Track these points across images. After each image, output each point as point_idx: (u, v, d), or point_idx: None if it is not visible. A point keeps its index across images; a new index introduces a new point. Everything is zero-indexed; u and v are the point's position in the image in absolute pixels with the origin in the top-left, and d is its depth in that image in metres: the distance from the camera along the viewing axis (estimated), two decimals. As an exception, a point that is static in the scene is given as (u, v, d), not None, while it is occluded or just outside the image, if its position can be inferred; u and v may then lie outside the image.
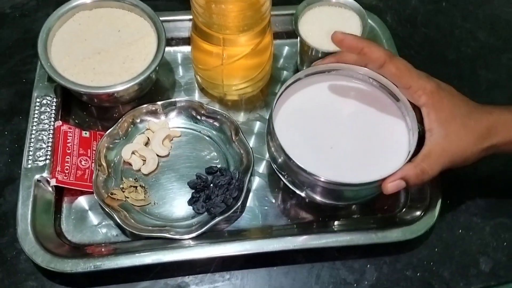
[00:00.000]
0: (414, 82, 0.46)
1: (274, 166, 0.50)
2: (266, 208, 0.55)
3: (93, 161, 0.54)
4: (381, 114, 0.50)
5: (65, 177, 0.52)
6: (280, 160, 0.48)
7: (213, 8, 0.51)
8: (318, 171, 0.44)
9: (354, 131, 0.49)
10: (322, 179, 0.44)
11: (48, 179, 0.52)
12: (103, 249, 0.50)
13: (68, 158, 0.53)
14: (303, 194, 0.50)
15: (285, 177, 0.49)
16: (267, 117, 0.50)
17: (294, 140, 0.47)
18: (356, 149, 0.48)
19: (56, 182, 0.51)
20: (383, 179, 0.44)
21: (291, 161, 0.45)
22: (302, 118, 0.50)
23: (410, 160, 0.46)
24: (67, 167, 0.53)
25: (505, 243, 0.54)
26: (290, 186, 0.50)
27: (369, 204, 0.55)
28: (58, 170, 0.52)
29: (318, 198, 0.49)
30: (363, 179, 0.44)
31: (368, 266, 0.52)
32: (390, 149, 0.48)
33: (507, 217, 0.56)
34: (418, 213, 0.52)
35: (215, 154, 0.57)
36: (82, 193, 0.54)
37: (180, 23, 0.66)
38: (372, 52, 0.47)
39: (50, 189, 0.52)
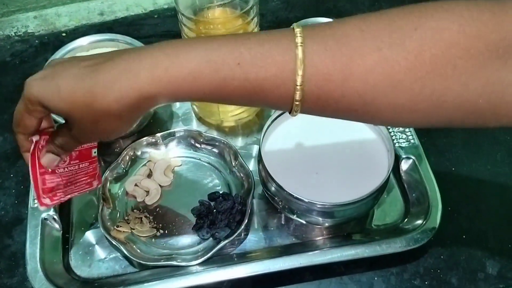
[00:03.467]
0: None
1: (267, 193, 0.53)
2: (270, 228, 0.55)
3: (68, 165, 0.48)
4: (360, 137, 0.54)
5: (54, 199, 0.47)
6: (272, 188, 0.51)
7: (202, 29, 0.53)
8: (306, 195, 0.47)
9: (336, 155, 0.53)
10: (307, 202, 0.47)
11: (55, 217, 0.53)
12: (112, 282, 0.51)
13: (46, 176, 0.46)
14: (295, 217, 0.52)
15: (279, 203, 0.52)
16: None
17: (283, 168, 0.51)
18: (340, 172, 0.51)
19: (47, 207, 0.46)
20: (365, 198, 0.47)
21: (281, 189, 0.48)
22: (289, 147, 0.53)
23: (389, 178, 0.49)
24: (51, 186, 0.46)
25: (509, 245, 0.54)
26: (284, 212, 0.53)
27: (370, 216, 0.56)
28: (41, 196, 0.46)
29: (309, 219, 0.51)
30: (347, 199, 0.47)
31: (376, 278, 0.52)
32: (371, 169, 0.51)
33: (509, 218, 0.56)
34: (419, 221, 0.53)
35: (216, 180, 0.59)
36: (89, 227, 0.55)
37: (174, 57, 0.68)
38: None
39: (57, 226, 0.53)
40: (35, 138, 0.44)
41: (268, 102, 0.35)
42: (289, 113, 0.35)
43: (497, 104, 0.32)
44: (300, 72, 0.32)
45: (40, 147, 0.43)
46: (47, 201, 0.46)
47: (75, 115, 0.35)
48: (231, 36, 0.35)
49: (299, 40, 0.32)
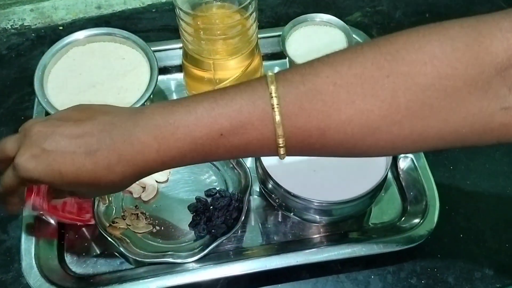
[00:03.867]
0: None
1: (264, 190, 0.52)
2: (267, 226, 0.55)
3: None
4: None
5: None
6: (269, 185, 0.50)
7: (202, 35, 0.53)
8: (303, 193, 0.47)
9: None
10: (304, 200, 0.47)
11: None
12: (107, 279, 0.51)
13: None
14: (292, 215, 0.52)
15: (276, 201, 0.51)
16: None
17: (280, 166, 0.50)
18: (337, 170, 0.51)
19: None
20: (363, 196, 0.47)
21: (279, 187, 0.48)
22: None
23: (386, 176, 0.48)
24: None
25: (507, 244, 0.54)
26: (281, 209, 0.52)
27: (368, 215, 0.56)
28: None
29: (306, 217, 0.51)
30: (344, 197, 0.47)
31: (372, 277, 0.52)
32: (369, 167, 0.51)
33: (507, 218, 0.56)
34: (417, 220, 0.52)
35: (214, 176, 0.58)
36: (84, 225, 0.54)
37: (172, 52, 0.67)
38: None
39: (52, 221, 0.53)
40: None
41: (254, 156, 0.38)
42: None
43: (481, 131, 0.32)
44: (280, 133, 0.34)
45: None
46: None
47: (77, 190, 0.39)
48: (208, 103, 0.35)
49: (274, 101, 0.33)
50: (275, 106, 0.33)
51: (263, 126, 0.34)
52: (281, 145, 0.34)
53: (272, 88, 0.34)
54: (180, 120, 0.35)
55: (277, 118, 0.33)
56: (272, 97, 0.34)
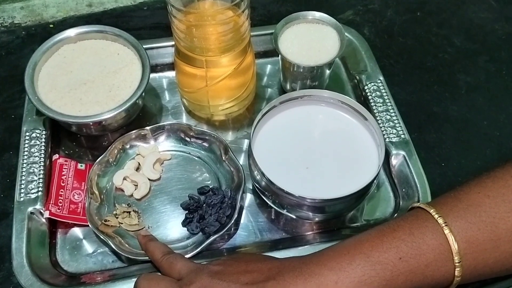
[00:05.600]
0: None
1: (257, 187, 0.52)
2: (260, 223, 0.55)
3: (85, 195, 0.54)
4: (351, 133, 0.54)
5: (58, 210, 0.52)
6: (262, 183, 0.50)
7: (194, 32, 0.52)
8: (296, 190, 0.47)
9: (327, 150, 0.52)
10: (297, 197, 0.47)
11: (42, 211, 0.52)
12: (100, 277, 0.50)
13: (62, 192, 0.54)
14: (285, 212, 0.51)
15: (269, 198, 0.51)
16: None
17: (273, 163, 0.50)
18: (330, 167, 0.51)
19: (49, 215, 0.52)
20: (355, 193, 0.47)
21: (272, 184, 0.48)
22: (279, 142, 0.53)
23: (379, 173, 0.49)
24: (61, 200, 0.53)
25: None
26: (274, 206, 0.52)
27: (361, 211, 0.56)
28: (51, 203, 0.52)
29: (299, 214, 0.51)
30: (337, 194, 0.47)
31: (365, 273, 0.52)
32: (361, 164, 0.51)
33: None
34: (409, 216, 0.53)
35: (206, 174, 0.58)
36: (75, 224, 0.54)
37: (163, 50, 0.67)
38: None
39: (44, 220, 0.52)
40: (54, 157, 0.57)
41: (429, 285, 0.37)
42: None
43: None
44: (455, 250, 0.35)
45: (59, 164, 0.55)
46: (54, 209, 0.52)
47: None
48: (376, 232, 0.38)
49: (440, 220, 0.36)
50: (443, 224, 0.36)
51: (438, 246, 0.36)
52: (457, 264, 0.36)
53: (432, 210, 0.37)
54: (353, 250, 0.37)
55: (450, 235, 0.35)
56: (435, 217, 0.36)
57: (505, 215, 0.35)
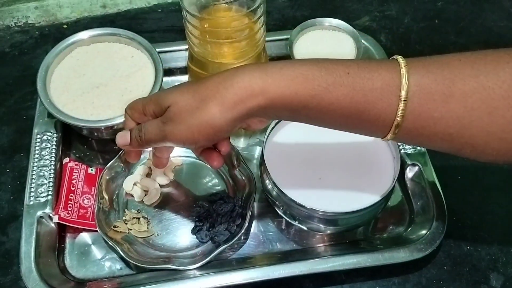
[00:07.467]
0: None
1: (268, 197, 0.51)
2: (270, 233, 0.54)
3: (95, 199, 0.54)
4: (366, 143, 0.52)
5: (67, 215, 0.52)
6: (273, 192, 0.49)
7: (208, 38, 0.52)
8: (308, 201, 0.46)
9: (341, 161, 0.51)
10: (309, 209, 0.46)
11: (51, 215, 0.52)
12: (107, 284, 0.50)
13: (71, 196, 0.54)
14: (296, 223, 0.50)
15: (280, 208, 0.50)
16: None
17: (285, 172, 0.49)
18: (344, 179, 0.50)
19: (58, 219, 0.51)
20: (369, 207, 0.46)
21: (283, 194, 0.47)
22: (292, 151, 0.52)
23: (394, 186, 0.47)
24: (70, 205, 0.53)
25: (514, 258, 0.53)
26: (285, 217, 0.51)
27: (374, 224, 0.55)
28: (61, 208, 0.52)
29: (311, 226, 0.50)
30: (351, 207, 0.45)
31: (377, 288, 0.51)
32: (376, 176, 0.50)
33: (514, 231, 0.55)
34: (424, 231, 0.51)
35: (217, 181, 0.57)
36: (84, 229, 0.53)
37: (177, 53, 0.66)
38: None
39: (52, 225, 0.52)
40: (65, 160, 0.56)
41: (367, 118, 0.37)
42: (383, 137, 0.38)
43: None
44: (405, 88, 0.35)
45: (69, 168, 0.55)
46: (63, 214, 0.52)
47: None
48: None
49: (402, 63, 0.36)
50: (403, 65, 0.35)
51: (389, 78, 0.35)
52: (402, 101, 0.35)
53: (399, 57, 0.36)
54: (309, 59, 0.38)
55: (404, 73, 0.35)
56: (399, 60, 0.36)
57: (467, 78, 0.35)
